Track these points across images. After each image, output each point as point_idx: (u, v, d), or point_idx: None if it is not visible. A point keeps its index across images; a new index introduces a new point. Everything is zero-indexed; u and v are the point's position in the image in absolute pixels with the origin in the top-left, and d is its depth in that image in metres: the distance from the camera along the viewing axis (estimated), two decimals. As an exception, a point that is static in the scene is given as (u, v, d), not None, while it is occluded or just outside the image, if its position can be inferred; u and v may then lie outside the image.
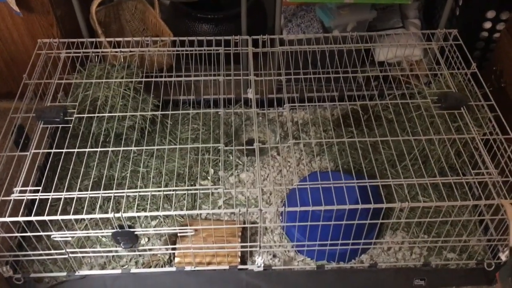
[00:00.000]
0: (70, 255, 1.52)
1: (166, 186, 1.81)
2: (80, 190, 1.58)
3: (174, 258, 1.62)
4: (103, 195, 1.41)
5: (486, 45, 2.12)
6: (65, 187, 1.48)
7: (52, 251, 1.50)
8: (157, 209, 1.74)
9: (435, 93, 1.72)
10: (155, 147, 1.74)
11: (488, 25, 2.06)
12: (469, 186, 1.79)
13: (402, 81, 1.94)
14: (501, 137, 1.58)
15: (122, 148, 1.58)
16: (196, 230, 1.59)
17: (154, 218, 1.75)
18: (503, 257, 1.58)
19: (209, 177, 1.89)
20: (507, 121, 1.60)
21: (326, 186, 1.43)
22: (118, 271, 1.58)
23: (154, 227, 1.73)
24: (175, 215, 1.69)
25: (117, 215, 1.34)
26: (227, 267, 1.59)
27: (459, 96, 1.67)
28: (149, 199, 1.62)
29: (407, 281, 1.65)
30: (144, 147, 1.61)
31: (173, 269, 1.59)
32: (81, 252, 1.56)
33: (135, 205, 1.65)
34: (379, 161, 1.83)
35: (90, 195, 1.41)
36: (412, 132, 1.73)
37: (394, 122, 1.77)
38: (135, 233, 1.42)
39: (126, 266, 1.64)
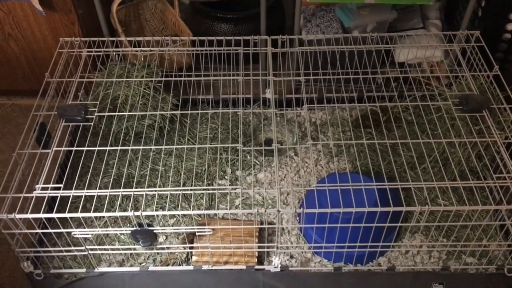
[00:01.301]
0: (90, 252, 1.54)
1: (184, 185, 1.82)
2: (100, 188, 1.60)
3: (191, 257, 1.63)
4: (122, 193, 1.42)
5: (509, 47, 2.09)
6: (86, 184, 1.50)
7: (72, 248, 1.52)
8: (175, 208, 1.75)
9: (456, 95, 1.70)
10: (174, 147, 1.75)
11: (511, 26, 2.02)
12: (489, 190, 1.77)
13: (423, 83, 1.92)
14: (524, 141, 1.56)
15: (141, 147, 1.60)
16: (213, 229, 1.60)
17: (172, 216, 1.76)
18: (524, 262, 1.56)
19: (226, 177, 1.90)
20: (529, 124, 1.58)
21: (345, 188, 1.43)
22: (137, 268, 1.60)
23: (172, 225, 1.74)
24: (193, 214, 1.70)
25: (136, 213, 1.35)
26: (244, 267, 1.59)
27: (481, 99, 1.64)
28: (168, 198, 1.63)
29: (425, 285, 1.63)
30: (163, 146, 1.61)
31: (191, 267, 1.60)
32: (100, 249, 1.58)
33: (154, 204, 1.66)
34: (398, 163, 1.81)
35: (110, 193, 1.43)
36: (432, 134, 1.71)
37: (414, 123, 1.75)
38: (154, 231, 1.43)
39: (144, 263, 1.65)
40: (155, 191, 1.46)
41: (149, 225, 1.42)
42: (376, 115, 1.94)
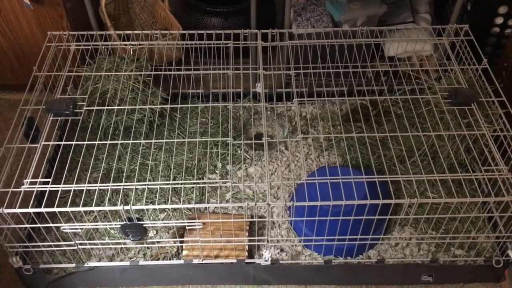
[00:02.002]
0: (79, 246, 1.53)
1: (174, 179, 1.82)
2: (89, 182, 1.60)
3: (182, 251, 1.63)
4: (112, 187, 1.42)
5: (497, 41, 2.10)
6: (75, 179, 1.49)
7: (62, 243, 1.51)
8: (165, 202, 1.74)
9: (446, 88, 1.71)
10: (164, 141, 1.74)
11: (499, 20, 2.03)
12: (478, 183, 1.78)
13: (412, 77, 1.93)
14: (511, 134, 1.57)
15: (131, 141, 1.59)
16: (204, 223, 1.60)
17: (162, 211, 1.76)
18: (512, 254, 1.57)
19: (217, 171, 1.90)
20: (517, 118, 1.59)
21: (335, 181, 1.43)
22: (127, 263, 1.59)
23: (162, 220, 1.73)
24: (183, 208, 1.70)
25: (126, 207, 1.35)
26: (234, 260, 1.60)
27: (470, 92, 1.65)
28: (158, 192, 1.62)
29: (414, 277, 1.65)
30: (153, 141, 1.60)
31: (181, 262, 1.60)
32: (90, 244, 1.58)
33: (144, 198, 1.65)
34: (388, 156, 1.82)
35: (100, 188, 1.42)
36: (422, 127, 1.72)
37: (404, 117, 1.76)
38: (144, 225, 1.42)
39: (134, 258, 1.65)
40: (145, 185, 1.45)
41: (139, 220, 1.42)
42: (366, 109, 1.95)
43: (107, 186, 1.42)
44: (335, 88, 1.97)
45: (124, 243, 1.63)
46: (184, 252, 1.62)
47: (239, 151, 1.97)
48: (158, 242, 1.66)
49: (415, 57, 2.05)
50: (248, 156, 1.97)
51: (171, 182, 1.48)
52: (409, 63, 2.03)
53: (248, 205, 1.38)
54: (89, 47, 1.86)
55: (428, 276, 1.64)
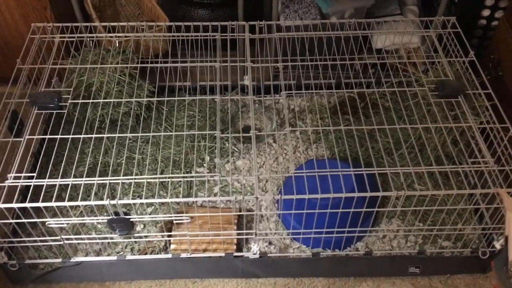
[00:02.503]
0: (65, 242, 1.51)
1: (161, 173, 1.81)
2: (75, 176, 1.57)
3: (169, 245, 1.62)
4: (98, 182, 1.40)
5: (484, 33, 2.11)
6: (60, 173, 1.47)
7: (47, 238, 1.49)
8: (153, 196, 1.73)
9: (433, 81, 1.71)
10: (151, 134, 1.72)
11: (486, 12, 2.04)
12: (465, 175, 1.79)
13: (400, 69, 1.93)
14: (498, 126, 1.58)
15: (117, 135, 1.57)
16: (192, 217, 1.59)
17: (149, 205, 1.75)
18: (498, 245, 1.58)
19: (205, 164, 1.88)
20: (504, 110, 1.60)
21: (322, 174, 1.43)
22: (114, 257, 1.58)
23: (150, 214, 1.72)
24: (171, 202, 1.69)
25: (112, 202, 1.33)
26: (222, 254, 1.59)
27: (457, 85, 1.66)
28: (145, 186, 1.61)
29: (402, 268, 1.66)
30: (139, 134, 1.59)
31: (169, 256, 1.59)
32: (76, 239, 1.56)
33: (131, 192, 1.64)
34: (375, 149, 1.83)
35: (85, 182, 1.40)
36: (409, 120, 1.72)
37: (391, 110, 1.76)
38: (131, 220, 1.41)
39: (122, 252, 1.63)
40: (132, 179, 1.43)
41: (126, 214, 1.40)
42: (354, 102, 1.94)
43: (93, 180, 1.40)
44: (323, 81, 1.96)
45: (111, 238, 1.61)
46: (172, 246, 1.61)
47: (227, 144, 1.96)
48: (145, 236, 1.64)
49: (402, 50, 2.05)
50: (236, 149, 1.96)
51: (158, 176, 1.47)
52: (396, 55, 2.03)
53: (236, 198, 1.37)
54: (74, 39, 1.83)
55: (415, 268, 1.65)
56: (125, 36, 1.87)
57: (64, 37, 1.83)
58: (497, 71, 1.92)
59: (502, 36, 1.92)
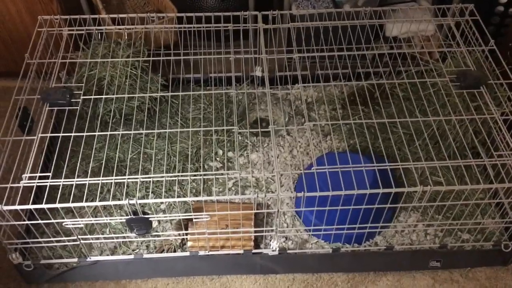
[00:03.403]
0: (82, 241, 1.48)
1: (175, 168, 1.77)
2: (89, 173, 1.53)
3: (186, 242, 1.59)
4: (115, 181, 1.36)
5: (501, 20, 2.06)
6: (76, 171, 1.42)
7: (64, 238, 1.45)
8: (168, 192, 1.69)
9: (453, 71, 1.67)
10: (167, 130, 1.65)
11: (504, -1, 1.99)
12: (484, 166, 1.75)
13: (418, 58, 1.88)
14: (521, 117, 1.54)
15: (132, 132, 1.52)
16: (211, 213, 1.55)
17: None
18: (521, 238, 1.56)
19: (218, 158, 1.84)
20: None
21: (344, 170, 1.39)
22: (131, 256, 1.55)
23: (164, 210, 1.68)
24: (190, 201, 1.65)
25: (131, 201, 1.29)
26: (241, 251, 1.56)
27: (479, 75, 1.61)
28: (164, 184, 1.56)
29: (422, 262, 1.63)
30: (155, 131, 1.54)
31: (187, 253, 1.56)
32: (92, 238, 1.52)
33: (145, 189, 1.60)
34: (394, 140, 1.78)
35: (102, 181, 1.36)
36: (430, 110, 1.68)
37: (412, 99, 1.72)
38: (150, 219, 1.37)
39: (138, 250, 1.60)
40: (150, 178, 1.39)
41: (144, 213, 1.37)
42: (371, 92, 1.90)
43: (110, 179, 1.36)
44: (338, 71, 1.92)
45: (128, 236, 1.58)
46: (189, 243, 1.58)
47: (240, 138, 1.91)
48: (162, 234, 1.61)
49: (419, 38, 2.00)
50: (250, 142, 1.92)
51: (176, 174, 1.42)
52: (413, 43, 1.97)
53: (257, 196, 1.34)
54: (83, 32, 1.77)
55: (436, 262, 1.62)
56: (135, 28, 1.81)
57: (73, 30, 1.77)
58: (516, 59, 1.87)
59: (521, 23, 1.88)
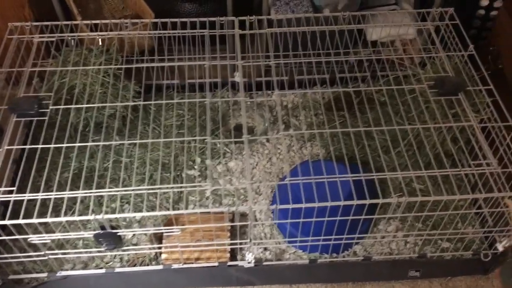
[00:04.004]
0: (50, 256, 1.44)
1: (150, 177, 1.73)
2: (59, 183, 1.48)
3: (160, 255, 1.55)
4: (81, 195, 1.32)
5: (483, 23, 2.03)
6: (43, 183, 1.38)
7: (31, 253, 1.41)
8: (142, 202, 1.65)
9: (431, 77, 1.64)
10: (137, 141, 1.61)
11: (485, 2, 1.96)
12: (466, 176, 1.73)
13: (396, 63, 1.86)
14: (500, 125, 1.51)
15: (101, 143, 1.47)
16: (182, 227, 1.52)
17: (137, 210, 1.66)
18: (500, 247, 1.54)
19: (195, 167, 1.81)
20: (505, 106, 1.53)
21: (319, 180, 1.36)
22: (102, 270, 1.51)
23: (139, 221, 1.64)
24: (160, 215, 1.60)
25: (98, 217, 1.25)
26: (216, 263, 1.53)
27: (457, 81, 1.59)
28: (132, 196, 1.52)
29: (402, 272, 1.60)
30: (125, 141, 1.48)
31: (160, 267, 1.52)
32: (61, 254, 1.48)
33: (118, 200, 1.56)
34: (372, 147, 1.76)
35: (69, 196, 1.32)
36: (407, 117, 1.65)
37: (388, 105, 1.69)
38: (118, 234, 1.33)
39: (111, 263, 1.56)
40: (117, 191, 1.35)
41: (113, 228, 1.33)
42: (349, 97, 1.87)
43: (76, 194, 1.32)
44: (316, 76, 1.88)
45: (99, 251, 1.54)
46: (163, 256, 1.55)
47: (218, 145, 1.88)
48: (134, 247, 1.57)
49: (398, 42, 1.97)
50: (228, 150, 1.88)
51: (145, 187, 1.38)
52: (392, 48, 1.95)
53: (229, 210, 1.30)
54: (55, 39, 1.73)
55: (415, 271, 1.59)
56: (109, 34, 1.77)
57: (44, 37, 1.73)
58: (496, 64, 1.85)
59: (501, 26, 1.85)
